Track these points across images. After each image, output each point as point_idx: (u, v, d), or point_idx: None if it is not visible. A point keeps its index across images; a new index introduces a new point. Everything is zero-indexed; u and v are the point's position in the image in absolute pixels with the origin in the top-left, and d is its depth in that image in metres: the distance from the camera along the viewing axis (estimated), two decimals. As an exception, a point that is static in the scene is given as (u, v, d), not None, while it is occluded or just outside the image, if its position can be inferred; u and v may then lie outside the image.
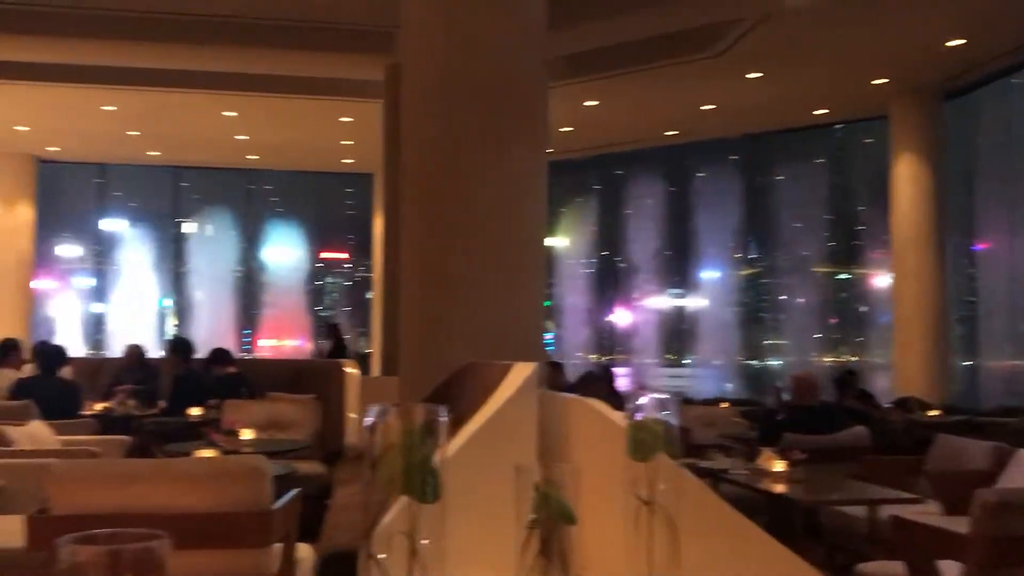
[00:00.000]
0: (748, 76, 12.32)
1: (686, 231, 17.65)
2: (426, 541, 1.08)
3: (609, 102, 13.51)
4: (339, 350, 13.16)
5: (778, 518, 4.91)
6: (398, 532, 1.08)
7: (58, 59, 12.90)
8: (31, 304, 18.96)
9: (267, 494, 2.68)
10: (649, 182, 17.71)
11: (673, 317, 18.70)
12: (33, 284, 19.08)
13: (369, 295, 22.35)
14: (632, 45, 11.16)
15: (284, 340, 21.44)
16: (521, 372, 2.53)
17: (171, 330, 20.76)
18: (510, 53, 5.75)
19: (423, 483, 1.11)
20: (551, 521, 1.22)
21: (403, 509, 1.07)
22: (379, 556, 1.08)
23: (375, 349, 17.15)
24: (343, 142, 16.88)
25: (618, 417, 2.10)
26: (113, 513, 2.56)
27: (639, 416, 1.37)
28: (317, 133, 16.23)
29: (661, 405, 1.39)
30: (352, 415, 7.10)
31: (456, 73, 5.66)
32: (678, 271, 18.30)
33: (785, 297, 17.97)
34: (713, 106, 13.85)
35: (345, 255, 23.47)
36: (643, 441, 1.36)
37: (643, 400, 1.39)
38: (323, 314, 22.62)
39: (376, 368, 14.52)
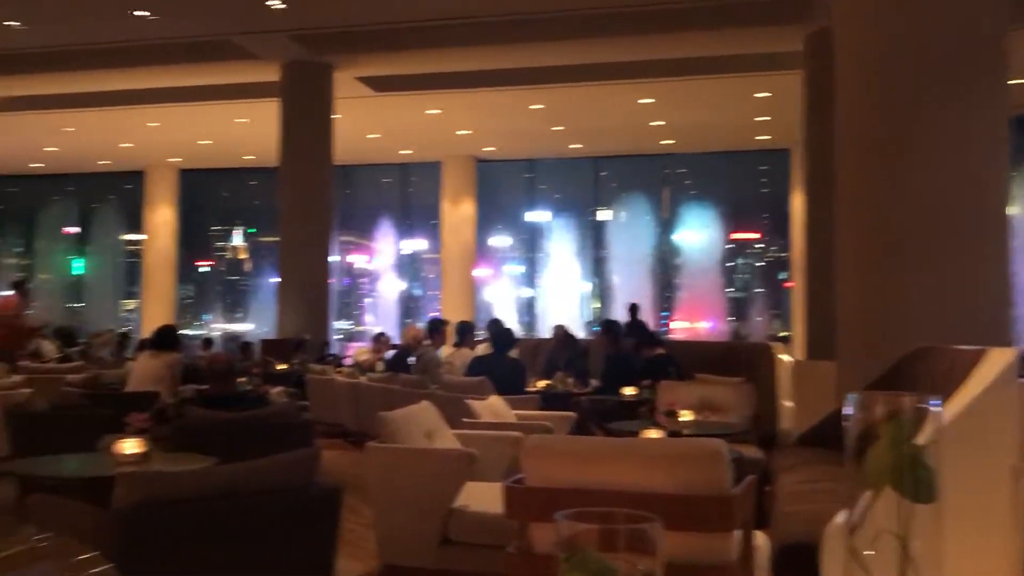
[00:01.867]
0: None
1: None
2: (917, 543, 0.96)
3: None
4: (638, 330, 12.87)
5: None
6: (886, 532, 0.98)
7: (492, 65, 14.15)
8: (474, 290, 21.13)
9: (727, 479, 2.66)
10: None
11: None
12: (474, 272, 21.25)
13: (782, 275, 21.66)
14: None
15: (698, 322, 21.55)
16: (999, 359, 2.23)
17: (591, 313, 21.90)
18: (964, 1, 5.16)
19: (915, 480, 1.00)
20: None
21: (891, 507, 0.96)
22: (866, 554, 0.98)
23: (796, 332, 16.60)
24: (758, 119, 16.51)
25: None
26: (580, 488, 2.71)
27: None
28: (732, 111, 16.04)
29: None
30: (785, 401, 6.89)
31: (899, 31, 5.20)
32: None
33: None
34: None
35: (756, 235, 22.96)
36: None
37: None
38: (734, 296, 22.37)
39: (798, 351, 14.03)
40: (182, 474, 2.78)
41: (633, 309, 12.98)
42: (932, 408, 1.00)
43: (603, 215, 22.29)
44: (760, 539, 3.25)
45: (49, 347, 11.99)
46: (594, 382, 8.52)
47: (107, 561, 1.88)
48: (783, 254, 21.44)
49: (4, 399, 6.61)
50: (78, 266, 24.68)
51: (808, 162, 11.78)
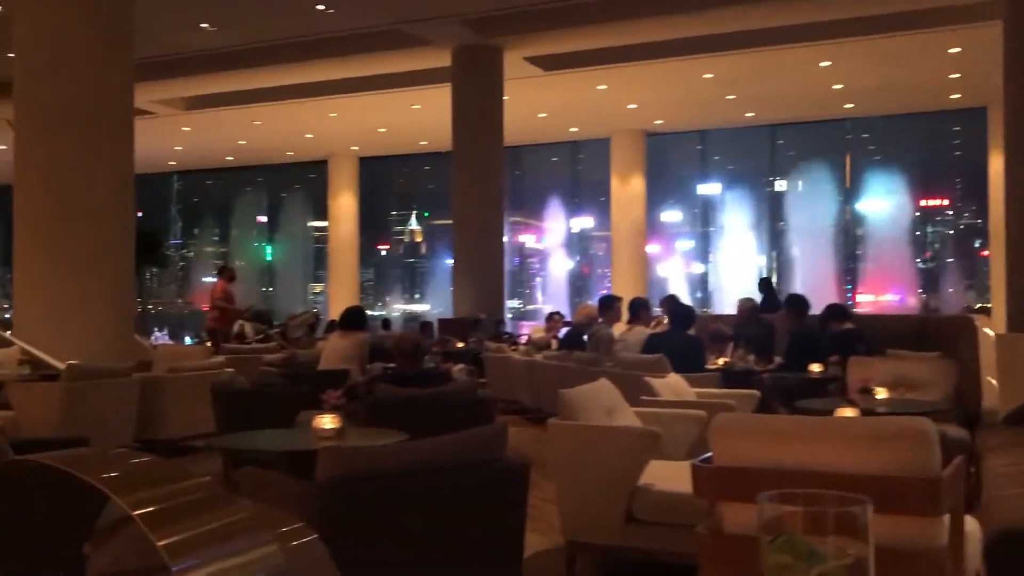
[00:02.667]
0: None
1: None
2: None
3: None
4: (772, 304, 12.12)
5: None
6: None
7: (660, 36, 13.88)
8: (645, 267, 20.91)
9: (936, 459, 2.50)
10: None
11: None
12: (645, 249, 21.02)
13: (977, 243, 20.27)
14: None
15: (884, 295, 20.51)
16: None
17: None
18: None
19: None
20: None
21: None
22: None
23: (996, 303, 15.48)
24: (951, 76, 15.43)
25: None
26: (773, 468, 2.61)
27: None
28: (919, 70, 15.08)
29: None
30: (990, 378, 6.41)
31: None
32: None
33: None
34: None
35: (947, 201, 21.57)
36: None
37: None
38: (923, 266, 21.11)
39: (1000, 325, 13.07)
40: (381, 448, 2.89)
41: (765, 284, 12.45)
42: None
43: (780, 185, 21.53)
44: (970, 523, 3.04)
45: (250, 329, 12.79)
46: (777, 359, 8.22)
47: (312, 531, 1.95)
48: (977, 221, 20.08)
49: (209, 378, 7.10)
50: (269, 252, 26.24)
51: (1009, 120, 10.89)
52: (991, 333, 7.14)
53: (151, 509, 1.33)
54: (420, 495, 2.61)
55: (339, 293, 22.43)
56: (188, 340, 20.04)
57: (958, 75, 15.31)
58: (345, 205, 23.15)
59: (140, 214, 17.78)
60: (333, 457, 2.58)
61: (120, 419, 6.99)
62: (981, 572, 3.16)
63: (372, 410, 4.92)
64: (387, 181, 25.09)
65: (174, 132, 19.87)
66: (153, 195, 24.21)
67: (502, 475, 2.84)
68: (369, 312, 23.01)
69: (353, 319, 7.65)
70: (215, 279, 13.36)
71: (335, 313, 18.61)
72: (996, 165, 15.26)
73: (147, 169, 18.92)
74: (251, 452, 3.87)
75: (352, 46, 14.17)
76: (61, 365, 7.25)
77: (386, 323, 17.40)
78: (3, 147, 16.98)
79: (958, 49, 13.81)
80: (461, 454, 2.70)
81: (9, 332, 8.52)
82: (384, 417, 4.68)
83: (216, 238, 26.99)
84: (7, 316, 14.93)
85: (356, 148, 22.40)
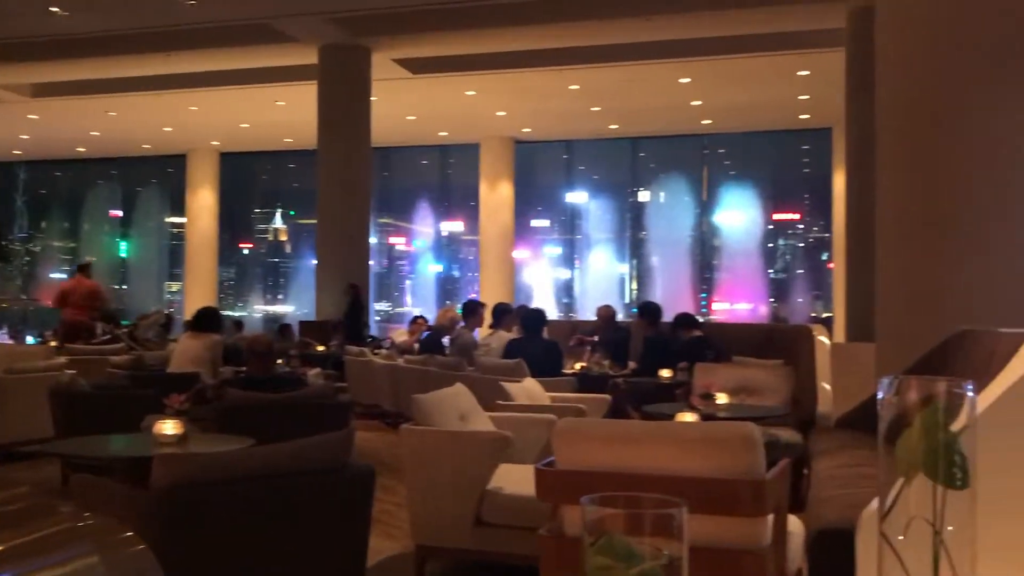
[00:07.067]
0: None
1: None
2: (951, 529, 0.94)
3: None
4: (357, 315, 12.92)
5: None
6: (918, 517, 0.96)
7: (529, 46, 14.09)
8: (513, 272, 21.15)
9: (760, 462, 2.64)
10: None
11: None
12: (513, 254, 21.26)
13: (824, 256, 21.40)
14: None
15: (738, 304, 21.40)
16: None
17: (630, 294, 21.83)
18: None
19: (949, 467, 0.98)
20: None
21: (924, 493, 0.94)
22: (898, 539, 0.97)
23: (838, 313, 16.42)
24: (800, 97, 16.28)
25: None
26: (611, 472, 2.70)
27: None
28: (772, 90, 15.84)
29: None
30: (824, 384, 6.81)
31: (943, 4, 5.07)
32: None
33: None
34: None
35: (797, 216, 22.69)
36: None
37: None
38: (775, 277, 22.12)
39: (840, 334, 13.88)
40: (218, 455, 2.82)
41: (352, 289, 12.88)
42: (966, 393, 0.98)
43: (642, 196, 22.16)
44: (796, 524, 3.23)
45: (99, 329, 12.22)
46: (632, 364, 8.48)
47: (141, 540, 1.89)
48: (825, 235, 21.17)
49: (47, 380, 6.75)
50: (123, 249, 25.13)
51: (850, 141, 11.60)
52: (827, 342, 7.57)
53: (-40, 522, 1.27)
54: (258, 502, 2.57)
55: (196, 292, 21.68)
56: (31, 339, 18.94)
57: (807, 97, 16.17)
58: (204, 201, 22.41)
59: (-21, 205, 16.73)
60: (168, 464, 2.51)
61: (-52, 423, 6.56)
62: (804, 569, 3.37)
63: (222, 416, 4.81)
64: (250, 178, 24.44)
65: (20, 120, 18.79)
66: (-5, 185, 22.81)
67: (346, 481, 2.83)
68: (228, 313, 22.36)
69: (204, 320, 7.43)
70: (78, 275, 12.64)
71: (191, 313, 17.97)
72: (839, 183, 16.20)
73: (-12, 158, 17.82)
74: (85, 458, 3.70)
75: (215, 39, 13.75)
76: None
77: (239, 324, 16.81)
78: None
79: (806, 72, 14.59)
80: (303, 460, 2.68)
81: None
82: (235, 423, 4.57)
83: (65, 232, 25.64)
84: None
85: (217, 143, 21.73)
